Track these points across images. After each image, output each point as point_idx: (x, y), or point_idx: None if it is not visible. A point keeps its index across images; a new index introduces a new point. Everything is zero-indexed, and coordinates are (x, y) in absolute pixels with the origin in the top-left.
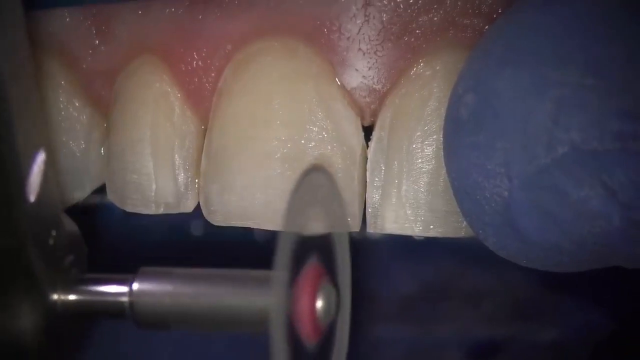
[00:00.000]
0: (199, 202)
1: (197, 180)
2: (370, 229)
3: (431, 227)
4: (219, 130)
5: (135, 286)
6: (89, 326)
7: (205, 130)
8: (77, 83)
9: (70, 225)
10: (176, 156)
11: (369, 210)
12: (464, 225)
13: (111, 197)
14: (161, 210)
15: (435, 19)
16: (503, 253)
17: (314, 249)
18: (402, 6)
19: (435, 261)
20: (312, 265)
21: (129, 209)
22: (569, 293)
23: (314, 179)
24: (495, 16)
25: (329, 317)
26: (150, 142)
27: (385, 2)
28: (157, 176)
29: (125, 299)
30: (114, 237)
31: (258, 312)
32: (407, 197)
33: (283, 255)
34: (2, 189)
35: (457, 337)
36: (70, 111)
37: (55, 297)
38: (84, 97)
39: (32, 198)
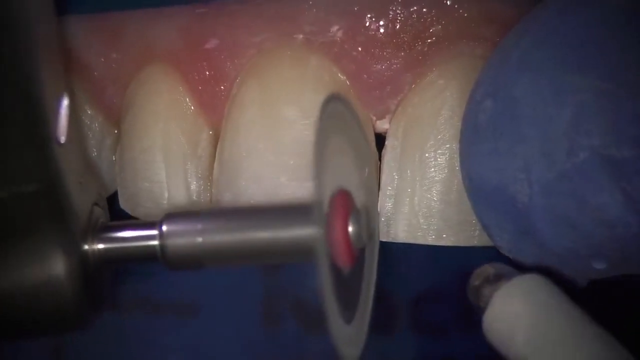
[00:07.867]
0: None
1: (209, 188)
2: (382, 238)
3: (444, 236)
4: (231, 138)
5: (165, 228)
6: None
7: (217, 138)
8: (88, 90)
9: (93, 180)
10: (188, 164)
11: (381, 218)
12: (476, 234)
13: (123, 204)
14: None
15: (449, 27)
16: (518, 259)
17: (340, 177)
18: (415, 15)
19: (447, 267)
20: (340, 192)
21: (142, 216)
22: (579, 301)
23: (333, 108)
24: (508, 25)
25: (362, 242)
26: (162, 150)
27: (398, 12)
28: (169, 184)
29: (155, 242)
30: None
31: (294, 240)
32: (419, 206)
33: (318, 184)
34: (35, 130)
35: (468, 343)
36: (81, 119)
37: (86, 244)
38: (95, 105)
39: (62, 139)
